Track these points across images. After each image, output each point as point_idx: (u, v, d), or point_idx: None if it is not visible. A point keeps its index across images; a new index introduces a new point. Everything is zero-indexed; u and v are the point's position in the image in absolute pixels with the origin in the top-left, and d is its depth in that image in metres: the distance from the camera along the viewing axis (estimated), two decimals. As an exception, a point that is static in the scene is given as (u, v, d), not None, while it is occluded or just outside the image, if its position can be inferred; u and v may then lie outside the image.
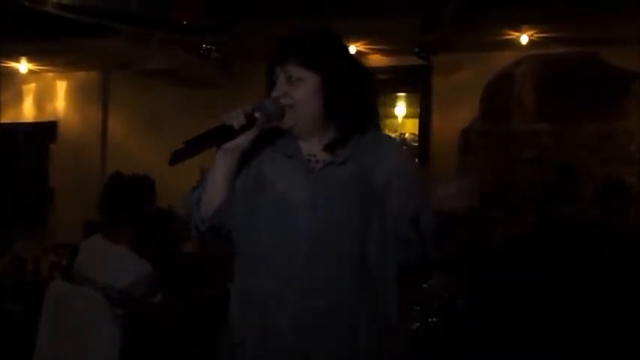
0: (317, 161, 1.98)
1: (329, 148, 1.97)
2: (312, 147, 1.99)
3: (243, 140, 1.94)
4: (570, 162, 5.48)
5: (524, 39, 5.76)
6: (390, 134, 6.71)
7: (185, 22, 5.46)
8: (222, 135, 1.93)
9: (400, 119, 6.79)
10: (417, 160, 2.00)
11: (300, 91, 1.94)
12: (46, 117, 7.54)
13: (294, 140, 2.01)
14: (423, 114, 6.49)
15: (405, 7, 5.30)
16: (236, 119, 1.91)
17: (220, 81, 6.57)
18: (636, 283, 3.53)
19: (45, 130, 7.48)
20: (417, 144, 6.55)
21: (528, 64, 6.03)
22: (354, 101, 1.98)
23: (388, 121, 6.88)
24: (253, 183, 2.00)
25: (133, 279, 3.55)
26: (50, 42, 6.27)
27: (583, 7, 5.10)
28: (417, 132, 6.58)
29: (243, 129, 1.92)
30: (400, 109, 6.82)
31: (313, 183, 1.94)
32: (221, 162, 1.99)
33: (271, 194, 1.96)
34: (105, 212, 3.81)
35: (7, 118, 7.63)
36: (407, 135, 6.70)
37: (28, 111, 7.64)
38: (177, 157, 1.90)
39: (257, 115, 1.92)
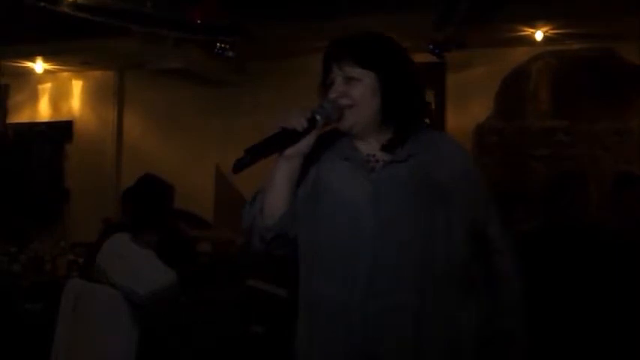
0: (377, 161, 1.97)
1: (388, 147, 1.97)
2: (371, 147, 1.99)
3: (304, 145, 1.94)
4: (578, 167, 5.47)
5: (538, 35, 5.75)
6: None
7: (199, 22, 5.48)
8: (285, 140, 1.92)
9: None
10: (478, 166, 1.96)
11: (359, 91, 1.94)
12: (62, 117, 7.58)
13: (352, 142, 2.00)
14: (437, 111, 6.48)
15: (418, 3, 5.29)
16: (298, 123, 1.90)
17: (234, 80, 6.59)
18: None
19: (60, 130, 7.52)
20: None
21: (544, 60, 6.00)
22: (411, 100, 1.99)
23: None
24: (312, 188, 2.00)
25: (156, 288, 3.53)
26: (66, 42, 6.30)
27: (597, 3, 5.08)
28: (431, 129, 6.56)
29: (305, 132, 1.92)
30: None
31: (375, 183, 1.93)
32: (283, 168, 1.98)
33: (332, 198, 1.95)
34: (134, 213, 3.80)
35: (23, 117, 7.67)
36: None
37: (43, 111, 7.68)
38: (240, 166, 1.88)
39: (318, 117, 1.92)
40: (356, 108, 1.94)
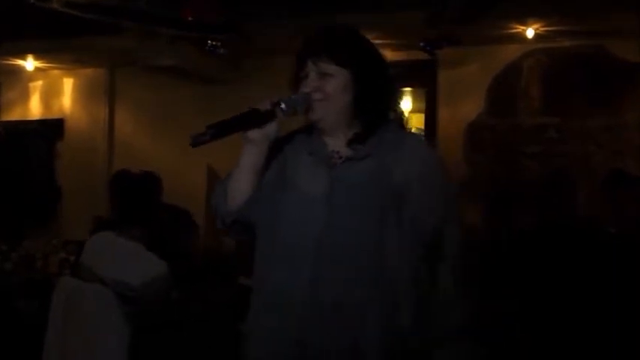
0: (340, 157, 2.01)
1: (351, 143, 2.01)
2: (338, 143, 2.03)
3: (269, 130, 1.99)
4: (570, 164, 5.49)
5: (530, 32, 5.75)
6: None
7: (191, 19, 5.47)
8: (248, 121, 1.96)
9: (406, 114, 6.78)
10: (446, 171, 1.95)
11: (331, 86, 1.99)
12: (53, 114, 7.54)
13: (321, 137, 2.05)
14: (429, 108, 6.48)
15: (410, 1, 5.29)
16: (262, 104, 1.96)
17: (227, 77, 6.58)
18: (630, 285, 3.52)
19: (52, 128, 7.48)
20: (423, 138, 6.54)
21: (535, 57, 6.01)
22: (382, 97, 2.03)
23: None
24: (277, 180, 2.04)
25: (148, 278, 3.53)
26: (57, 39, 6.28)
27: (588, 1, 5.09)
28: (423, 127, 6.57)
29: (268, 116, 1.96)
30: (406, 103, 6.81)
31: (332, 178, 1.97)
32: (247, 153, 2.03)
33: (292, 190, 2.00)
34: (117, 209, 3.81)
35: (14, 115, 7.64)
36: (413, 130, 6.68)
37: (34, 108, 7.64)
38: (198, 140, 1.90)
39: (282, 104, 1.96)
40: (326, 101, 1.99)
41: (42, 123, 7.54)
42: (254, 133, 1.98)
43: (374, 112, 2.02)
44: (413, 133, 2.13)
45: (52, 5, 5.06)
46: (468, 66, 6.25)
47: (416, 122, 6.71)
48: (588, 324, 3.50)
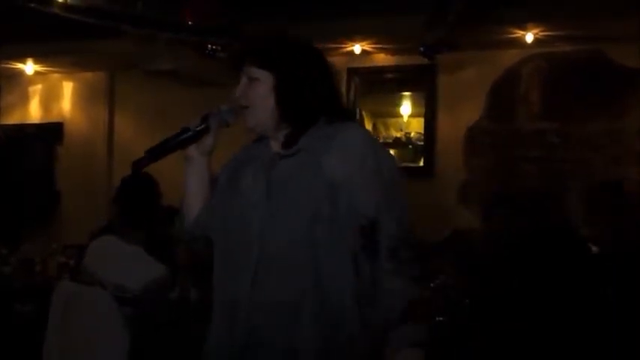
0: (280, 158, 2.04)
1: (285, 144, 2.04)
2: (278, 146, 2.07)
3: (206, 145, 2.08)
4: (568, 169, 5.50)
5: (529, 37, 5.76)
6: (396, 133, 6.73)
7: (190, 23, 5.47)
8: (183, 140, 2.05)
9: (406, 118, 6.78)
10: (386, 158, 1.90)
11: (255, 91, 2.04)
12: (53, 118, 7.55)
13: (267, 142, 2.09)
14: (429, 113, 6.49)
15: (409, 5, 5.30)
16: (193, 123, 2.05)
17: (227, 81, 6.56)
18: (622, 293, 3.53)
19: (51, 132, 7.48)
20: (422, 143, 6.54)
21: (534, 62, 6.02)
22: (306, 99, 2.03)
23: (393, 120, 6.88)
24: (227, 189, 2.09)
25: (147, 282, 3.55)
26: (56, 43, 6.28)
27: (587, 6, 5.10)
28: (422, 131, 6.57)
29: (200, 132, 2.05)
30: (405, 108, 6.81)
31: (269, 178, 2.00)
32: (189, 170, 2.12)
33: (237, 197, 2.04)
34: (120, 214, 3.81)
35: (14, 119, 7.64)
36: (412, 134, 6.68)
37: (34, 112, 7.65)
38: (139, 165, 2.04)
39: (211, 117, 2.05)
40: (252, 109, 2.04)
41: (41, 127, 7.54)
42: (191, 151, 2.08)
43: (298, 111, 2.03)
44: (349, 124, 2.07)
45: (52, 9, 5.07)
46: (467, 71, 6.26)
47: (415, 126, 6.71)
48: (584, 328, 3.50)
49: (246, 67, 2.06)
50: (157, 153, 2.03)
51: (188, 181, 2.14)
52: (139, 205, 3.76)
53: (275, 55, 2.04)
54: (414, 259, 1.97)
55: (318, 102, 2.05)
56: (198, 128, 2.05)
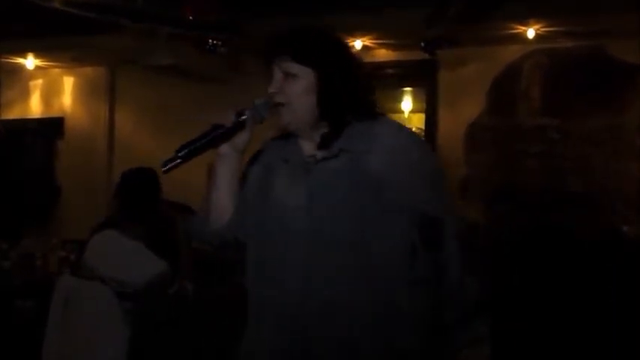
0: (315, 160, 1.97)
1: (322, 144, 1.97)
2: (312, 146, 1.99)
3: (239, 142, 1.99)
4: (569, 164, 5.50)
5: (530, 33, 5.75)
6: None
7: (191, 18, 5.46)
8: (216, 137, 1.96)
9: (406, 114, 6.79)
10: (429, 153, 1.87)
11: (294, 88, 1.94)
12: (53, 113, 7.53)
13: (297, 142, 2.01)
14: (430, 109, 6.48)
15: (411, 1, 5.29)
16: (226, 119, 1.96)
17: (227, 77, 6.57)
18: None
19: (52, 127, 7.47)
20: (423, 139, 6.54)
21: (535, 58, 6.01)
22: (346, 97, 1.96)
23: (394, 116, 6.87)
24: (258, 190, 2.01)
25: (147, 278, 3.54)
26: (57, 38, 6.26)
27: (588, 1, 5.09)
28: (423, 127, 6.57)
29: (235, 128, 1.96)
30: (406, 103, 6.82)
31: (308, 183, 1.93)
32: (222, 168, 2.03)
33: (272, 201, 1.97)
34: (120, 208, 3.80)
35: (14, 114, 7.63)
36: (413, 130, 6.68)
37: (35, 107, 7.64)
38: (170, 165, 1.94)
39: (247, 113, 1.96)
40: (290, 106, 1.95)
41: (42, 122, 7.53)
42: (224, 148, 2.00)
43: (339, 111, 1.96)
44: (384, 119, 2.03)
45: (53, 4, 5.06)
46: (468, 66, 6.25)
47: (416, 122, 6.71)
48: (586, 325, 3.50)
49: (281, 62, 1.95)
50: (189, 152, 1.93)
51: (219, 180, 2.04)
52: (139, 200, 3.75)
53: (316, 50, 1.95)
54: (473, 255, 1.96)
55: (357, 99, 1.98)
56: (233, 124, 1.96)
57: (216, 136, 1.96)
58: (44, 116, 7.55)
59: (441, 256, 1.93)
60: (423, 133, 6.54)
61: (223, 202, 2.04)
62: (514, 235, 4.08)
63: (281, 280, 1.91)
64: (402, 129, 2.05)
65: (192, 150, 1.94)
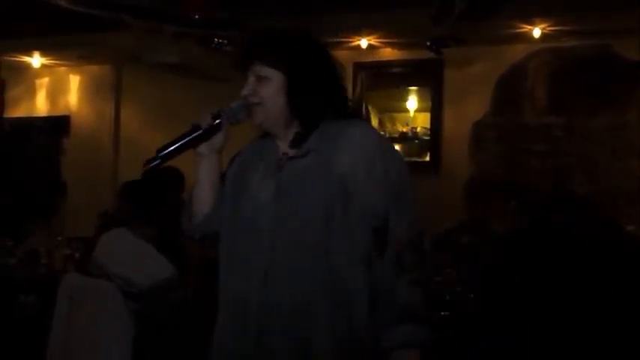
0: (287, 159, 2.03)
1: (293, 144, 2.03)
2: (285, 145, 2.05)
3: (216, 142, 2.07)
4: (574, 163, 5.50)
5: (536, 32, 5.74)
6: (402, 128, 6.73)
7: (197, 17, 5.47)
8: (195, 138, 2.05)
9: (412, 113, 6.77)
10: (394, 158, 1.89)
11: (266, 89, 2.02)
12: (59, 111, 7.57)
13: (274, 141, 2.08)
14: (435, 108, 6.48)
15: (416, 0, 5.29)
16: (203, 120, 2.04)
17: (232, 74, 6.56)
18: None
19: (58, 124, 7.50)
20: (428, 138, 6.54)
21: (540, 57, 6.00)
22: (317, 98, 2.02)
23: (400, 115, 6.88)
24: (234, 187, 2.08)
25: (154, 281, 3.54)
26: (63, 36, 6.29)
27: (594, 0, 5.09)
28: (428, 126, 6.56)
29: (212, 129, 2.04)
30: (412, 102, 6.80)
31: (278, 179, 1.99)
32: (201, 166, 2.12)
33: (246, 197, 2.03)
34: (134, 208, 3.79)
35: (21, 112, 7.66)
36: (419, 129, 6.67)
37: (41, 105, 7.67)
38: (151, 165, 2.05)
39: (222, 114, 2.04)
40: (262, 106, 2.02)
41: (48, 120, 7.56)
42: (202, 148, 2.07)
43: (309, 112, 2.01)
44: (355, 122, 2.06)
45: (58, 1, 5.07)
46: (474, 65, 6.25)
47: (422, 121, 6.70)
48: (587, 325, 3.49)
49: (254, 66, 2.03)
50: (168, 153, 2.03)
51: (199, 178, 2.13)
52: (151, 200, 3.75)
53: (285, 53, 2.02)
54: (418, 263, 1.96)
55: (327, 100, 2.04)
56: (209, 126, 2.04)
57: (194, 138, 2.05)
58: (50, 114, 7.59)
59: (380, 260, 1.95)
60: (428, 132, 6.54)
61: (205, 197, 2.13)
62: (517, 233, 4.06)
63: (246, 276, 1.96)
64: (371, 132, 2.09)
65: (171, 151, 2.03)
